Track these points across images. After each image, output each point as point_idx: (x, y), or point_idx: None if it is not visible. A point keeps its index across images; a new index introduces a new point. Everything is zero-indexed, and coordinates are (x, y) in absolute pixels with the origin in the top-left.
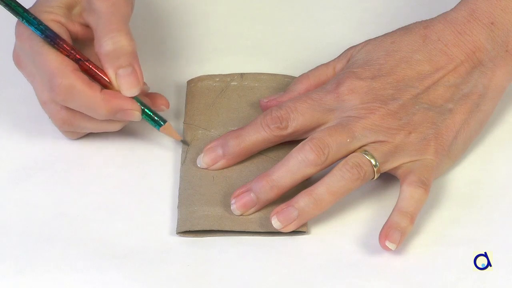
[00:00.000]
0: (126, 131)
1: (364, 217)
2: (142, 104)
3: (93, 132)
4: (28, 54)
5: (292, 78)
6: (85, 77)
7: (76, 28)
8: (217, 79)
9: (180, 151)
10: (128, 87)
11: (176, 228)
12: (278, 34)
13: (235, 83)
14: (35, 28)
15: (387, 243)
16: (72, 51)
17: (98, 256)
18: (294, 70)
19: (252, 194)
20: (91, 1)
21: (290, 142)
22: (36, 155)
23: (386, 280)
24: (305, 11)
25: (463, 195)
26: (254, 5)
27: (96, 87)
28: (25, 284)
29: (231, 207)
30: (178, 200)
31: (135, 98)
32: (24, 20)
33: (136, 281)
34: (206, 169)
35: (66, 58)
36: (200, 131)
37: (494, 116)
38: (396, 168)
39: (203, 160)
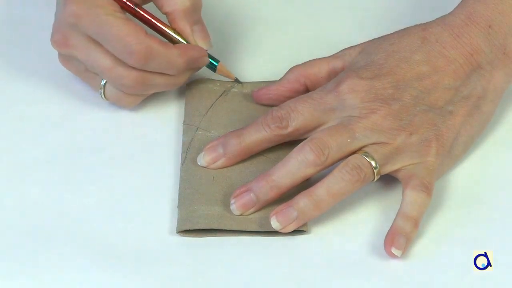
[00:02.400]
0: (126, 131)
1: (364, 217)
2: None
3: (160, 90)
4: (87, 29)
5: None
6: (157, 37)
7: None
8: (218, 84)
9: (180, 151)
10: (205, 40)
11: (176, 228)
12: (278, 34)
13: (236, 90)
14: None
15: (393, 250)
16: (136, 9)
17: (98, 256)
18: None
19: (251, 194)
20: None
21: (290, 143)
22: (36, 155)
23: (386, 280)
24: (305, 11)
25: (463, 195)
26: (254, 5)
27: (169, 44)
28: (25, 284)
29: (231, 207)
30: (178, 199)
31: None
32: None
33: (136, 281)
34: (206, 168)
35: (134, 24)
36: (200, 132)
37: (495, 117)
38: (397, 170)
39: (203, 159)
